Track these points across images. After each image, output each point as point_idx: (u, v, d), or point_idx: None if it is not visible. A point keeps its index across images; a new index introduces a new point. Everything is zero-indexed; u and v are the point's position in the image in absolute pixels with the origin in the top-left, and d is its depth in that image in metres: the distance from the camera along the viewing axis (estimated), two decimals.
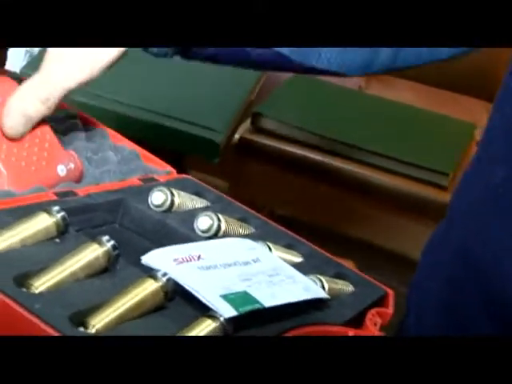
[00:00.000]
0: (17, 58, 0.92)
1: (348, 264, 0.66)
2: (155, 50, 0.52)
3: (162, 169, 0.56)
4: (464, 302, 0.55)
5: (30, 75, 0.60)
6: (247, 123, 1.03)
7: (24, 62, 0.92)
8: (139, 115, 0.79)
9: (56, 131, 0.53)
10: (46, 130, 0.49)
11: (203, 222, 0.46)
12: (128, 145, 0.58)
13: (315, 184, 1.00)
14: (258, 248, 0.45)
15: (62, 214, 0.40)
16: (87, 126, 0.59)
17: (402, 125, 1.06)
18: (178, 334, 0.36)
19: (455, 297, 0.57)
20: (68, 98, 0.54)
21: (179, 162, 0.75)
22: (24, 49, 0.94)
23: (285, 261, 0.45)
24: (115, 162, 0.55)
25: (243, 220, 0.51)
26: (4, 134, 0.46)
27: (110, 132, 0.59)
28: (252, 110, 1.02)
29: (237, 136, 0.99)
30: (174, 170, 0.57)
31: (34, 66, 0.79)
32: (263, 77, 0.93)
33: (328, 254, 0.51)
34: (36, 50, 0.93)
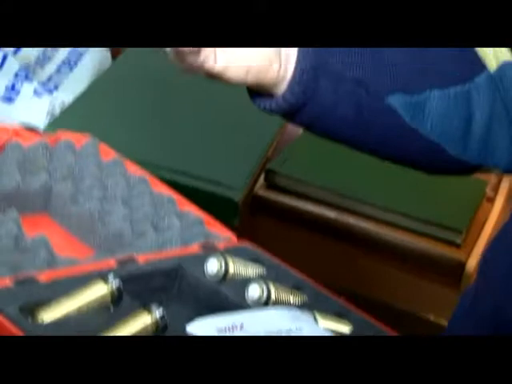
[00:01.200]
0: (39, 117, 0.93)
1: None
2: (263, 105, 0.53)
3: (223, 234, 0.60)
4: None
5: (53, 133, 0.74)
6: (261, 179, 1.05)
7: (46, 121, 0.93)
8: (158, 173, 0.84)
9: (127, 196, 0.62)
10: None
11: (254, 292, 0.48)
12: (193, 210, 0.63)
13: (328, 240, 1.01)
14: (302, 318, 0.47)
15: (118, 283, 0.43)
16: (156, 192, 0.65)
17: (413, 181, 1.04)
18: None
19: None
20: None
21: None
22: (46, 109, 0.95)
23: (332, 330, 0.47)
24: (179, 228, 0.59)
25: (296, 288, 0.53)
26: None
27: (178, 198, 0.64)
28: (266, 167, 1.04)
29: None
30: (234, 237, 0.60)
31: (56, 124, 0.87)
32: (278, 134, 0.96)
33: (381, 326, 0.53)
34: (58, 110, 0.95)
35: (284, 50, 0.50)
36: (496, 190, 1.10)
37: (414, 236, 1.02)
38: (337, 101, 0.53)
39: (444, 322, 0.93)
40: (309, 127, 0.56)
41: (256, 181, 1.01)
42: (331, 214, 1.06)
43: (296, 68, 0.50)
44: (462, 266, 0.97)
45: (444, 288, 0.99)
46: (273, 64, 0.50)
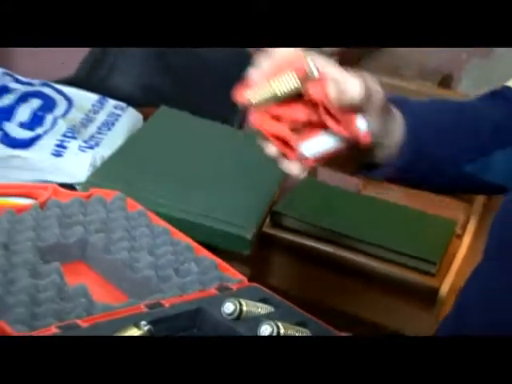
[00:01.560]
0: (83, 169, 0.99)
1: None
2: (378, 174, 0.61)
3: (234, 277, 0.65)
4: None
5: (97, 185, 0.82)
6: (267, 219, 1.18)
7: (89, 172, 1.00)
8: (180, 215, 0.87)
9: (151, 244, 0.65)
10: None
11: (265, 330, 0.53)
12: (207, 255, 0.67)
13: (326, 271, 1.16)
14: None
15: (149, 327, 0.48)
16: (176, 240, 0.69)
17: (395, 220, 1.24)
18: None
19: None
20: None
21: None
22: (89, 161, 1.00)
23: None
24: (196, 272, 0.63)
25: (301, 324, 0.57)
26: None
27: (194, 245, 0.68)
28: (272, 209, 1.17)
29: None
30: (245, 279, 0.65)
31: (97, 173, 0.97)
32: (282, 182, 1.07)
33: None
34: (98, 162, 1.02)
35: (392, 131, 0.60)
36: (464, 228, 1.26)
37: (397, 267, 1.14)
38: (424, 173, 0.64)
39: None
40: (401, 181, 0.68)
41: (264, 221, 1.12)
42: (328, 248, 1.18)
43: (402, 152, 0.60)
44: (436, 291, 1.13)
45: (421, 310, 1.15)
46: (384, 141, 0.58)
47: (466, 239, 1.24)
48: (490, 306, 0.60)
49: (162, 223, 0.71)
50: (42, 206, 0.68)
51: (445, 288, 1.14)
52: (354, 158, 0.60)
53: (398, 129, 0.59)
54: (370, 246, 1.17)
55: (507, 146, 0.66)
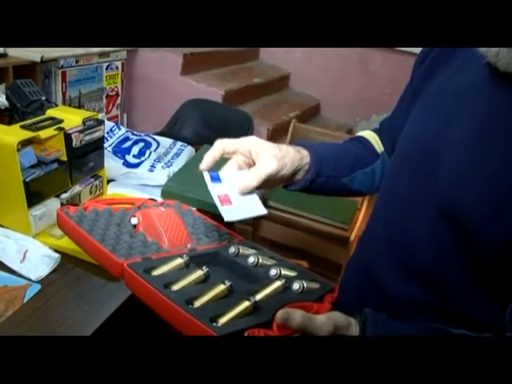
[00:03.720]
0: (163, 177, 1.30)
1: (303, 263, 1.13)
2: (293, 187, 0.77)
3: (237, 238, 0.81)
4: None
5: (172, 189, 1.13)
6: None
7: (166, 179, 1.29)
8: (210, 201, 0.83)
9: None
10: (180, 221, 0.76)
11: (251, 260, 0.70)
12: (222, 228, 0.83)
13: (291, 229, 1.57)
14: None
15: (187, 258, 0.64)
16: (206, 221, 0.84)
17: (327, 202, 1.59)
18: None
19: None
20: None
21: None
22: (166, 173, 1.30)
23: (285, 274, 0.68)
24: (216, 236, 0.79)
25: (273, 258, 0.73)
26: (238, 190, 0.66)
27: (215, 223, 0.83)
28: (264, 197, 1.56)
29: None
30: (242, 238, 0.80)
31: (173, 181, 1.26)
32: None
33: (310, 272, 0.72)
34: (171, 174, 1.35)
35: (302, 160, 0.74)
36: (361, 205, 1.69)
37: (328, 226, 1.59)
38: (322, 184, 0.78)
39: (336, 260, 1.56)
40: (307, 192, 0.80)
41: None
42: (292, 217, 1.62)
43: (309, 171, 0.75)
44: (347, 238, 1.58)
45: (340, 247, 1.59)
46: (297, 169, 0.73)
47: (362, 211, 1.68)
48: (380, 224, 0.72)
49: (198, 214, 0.88)
50: (139, 207, 0.86)
51: (352, 236, 1.58)
52: (282, 181, 0.75)
53: (305, 161, 0.75)
54: (314, 215, 1.64)
55: (365, 167, 0.83)
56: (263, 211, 0.67)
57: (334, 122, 3.69)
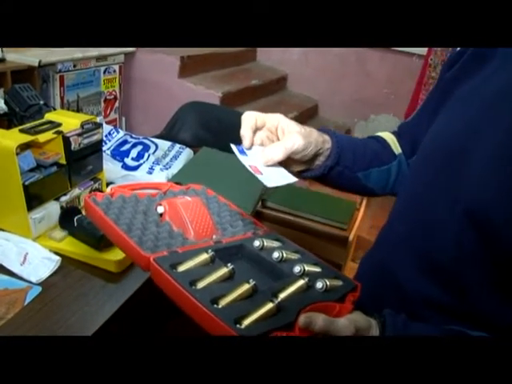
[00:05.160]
0: (162, 180, 1.32)
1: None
2: (308, 175, 0.76)
3: (262, 228, 0.78)
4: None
5: (178, 183, 0.94)
6: (259, 203, 1.62)
7: (164, 181, 1.32)
8: None
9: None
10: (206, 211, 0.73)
11: (276, 254, 0.68)
12: (247, 216, 0.81)
13: (290, 230, 1.57)
14: None
15: (212, 253, 0.63)
16: (231, 209, 0.82)
17: (326, 202, 1.68)
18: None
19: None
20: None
21: None
22: (165, 175, 1.32)
23: (309, 270, 0.66)
24: (241, 225, 0.78)
25: (297, 252, 0.72)
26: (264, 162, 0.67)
27: (240, 211, 0.82)
28: (262, 198, 1.57)
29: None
30: (268, 228, 0.78)
31: (175, 179, 1.28)
32: None
33: (334, 268, 0.69)
34: (170, 176, 1.33)
35: (324, 144, 0.74)
36: (360, 206, 1.74)
37: (327, 226, 1.58)
38: (339, 174, 0.78)
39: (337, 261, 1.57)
40: (322, 182, 0.80)
41: (257, 204, 1.50)
42: (291, 217, 1.65)
43: (329, 157, 0.75)
44: (346, 238, 1.60)
45: (339, 247, 1.61)
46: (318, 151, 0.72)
47: (361, 211, 1.70)
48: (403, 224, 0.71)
49: (224, 200, 0.85)
50: (165, 193, 0.84)
51: (350, 236, 1.57)
52: (301, 163, 0.74)
53: (327, 145, 0.75)
54: (312, 215, 1.63)
55: (381, 166, 0.82)
56: (294, 179, 0.68)
57: (332, 122, 3.71)
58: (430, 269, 0.64)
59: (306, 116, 3.45)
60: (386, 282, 0.71)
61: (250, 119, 0.69)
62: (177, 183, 0.92)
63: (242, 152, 0.69)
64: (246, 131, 0.68)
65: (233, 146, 0.69)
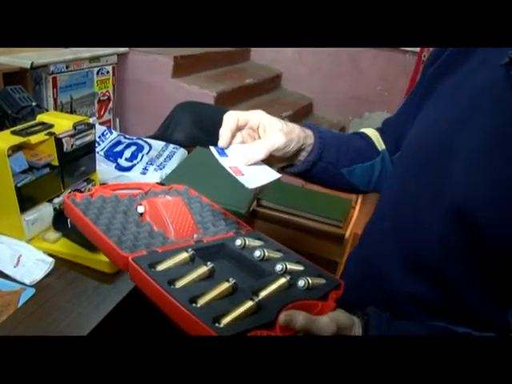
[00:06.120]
0: (156, 180, 1.34)
1: None
2: (291, 170, 0.76)
3: (244, 227, 0.79)
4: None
5: (161, 183, 1.06)
6: (254, 202, 1.61)
7: (158, 181, 1.33)
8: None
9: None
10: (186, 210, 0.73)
11: (257, 253, 0.68)
12: (230, 216, 0.81)
13: (285, 228, 1.60)
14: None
15: (192, 252, 0.62)
16: (214, 208, 0.81)
17: (322, 200, 1.67)
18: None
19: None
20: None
21: None
22: (159, 176, 1.33)
23: (291, 269, 0.66)
24: (223, 224, 0.78)
25: (280, 251, 0.72)
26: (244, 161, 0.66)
27: (223, 211, 0.81)
28: (257, 196, 1.62)
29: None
30: (250, 228, 0.78)
31: (166, 183, 1.22)
32: None
33: (317, 267, 0.69)
34: (163, 176, 1.34)
35: (306, 139, 0.74)
36: (356, 203, 1.75)
37: (323, 224, 1.58)
38: (322, 170, 0.78)
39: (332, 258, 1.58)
40: (306, 178, 0.80)
41: (252, 203, 1.50)
42: (286, 216, 1.64)
43: (311, 153, 0.75)
44: (342, 236, 1.60)
45: (335, 245, 1.62)
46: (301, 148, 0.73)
47: (357, 209, 1.71)
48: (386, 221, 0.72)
49: (207, 200, 0.86)
50: (146, 193, 0.84)
51: (347, 234, 1.58)
52: (284, 159, 0.75)
53: (309, 141, 0.75)
54: (308, 213, 1.64)
55: (364, 162, 0.83)
56: (277, 175, 0.67)
57: (326, 120, 3.71)
58: (416, 266, 0.64)
59: (300, 114, 3.45)
60: (372, 279, 0.70)
61: (231, 119, 0.69)
62: (160, 184, 0.92)
63: (222, 153, 0.68)
64: (224, 131, 0.68)
65: (212, 148, 0.68)
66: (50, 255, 0.97)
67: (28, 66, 2.30)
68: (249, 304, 0.54)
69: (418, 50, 3.08)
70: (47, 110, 1.30)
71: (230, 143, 0.68)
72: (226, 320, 0.52)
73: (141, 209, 0.75)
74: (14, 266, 0.91)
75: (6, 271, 0.91)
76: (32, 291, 0.88)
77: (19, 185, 0.96)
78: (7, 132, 1.00)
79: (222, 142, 0.67)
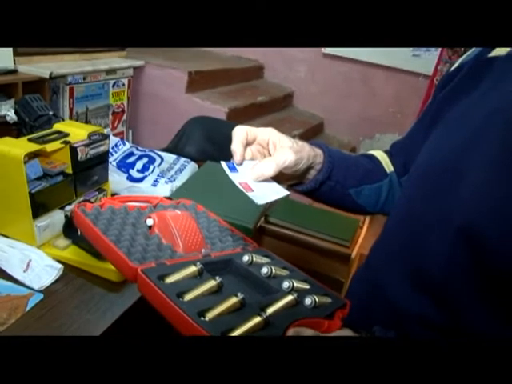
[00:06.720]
0: (167, 192, 1.34)
1: None
2: (300, 188, 0.75)
3: (251, 244, 0.80)
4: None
5: (169, 198, 0.95)
6: (262, 219, 1.60)
7: (169, 193, 1.32)
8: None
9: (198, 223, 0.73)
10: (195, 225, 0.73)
11: (264, 270, 0.68)
12: (237, 232, 0.81)
13: (292, 246, 1.58)
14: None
15: (201, 266, 0.62)
16: (221, 225, 0.81)
17: (329, 219, 1.68)
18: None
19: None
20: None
21: None
22: (169, 188, 1.33)
23: (298, 287, 0.66)
24: (230, 240, 0.78)
25: (286, 268, 0.73)
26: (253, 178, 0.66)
27: (230, 227, 0.82)
28: (265, 213, 1.58)
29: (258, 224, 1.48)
30: (257, 244, 0.79)
31: (176, 195, 1.27)
32: None
33: (323, 286, 0.69)
34: (174, 189, 1.33)
35: (316, 158, 0.74)
36: (363, 223, 1.75)
37: (330, 243, 1.58)
38: (331, 189, 0.78)
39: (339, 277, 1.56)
40: (314, 197, 0.80)
41: (260, 219, 1.55)
42: (293, 233, 1.64)
43: (320, 171, 0.75)
44: (349, 255, 1.60)
45: (342, 265, 1.61)
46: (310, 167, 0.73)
47: (364, 229, 1.70)
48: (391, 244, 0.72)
49: (213, 216, 0.87)
50: (155, 206, 0.84)
51: (353, 254, 1.57)
52: (293, 177, 0.75)
53: (318, 160, 0.75)
54: (315, 232, 1.64)
55: (372, 183, 0.83)
56: (286, 192, 0.67)
57: (337, 140, 3.73)
58: (422, 286, 0.64)
59: (311, 133, 3.47)
60: (377, 298, 0.70)
61: (240, 134, 0.69)
62: (167, 198, 0.92)
63: (233, 168, 0.68)
64: (236, 146, 0.68)
65: (223, 163, 0.68)
66: (59, 262, 0.97)
67: (47, 76, 2.34)
68: (257, 320, 0.54)
69: (430, 73, 3.10)
70: (63, 119, 1.32)
71: (244, 158, 0.68)
72: (234, 335, 0.52)
73: (150, 221, 0.75)
74: (24, 271, 0.92)
75: (16, 275, 0.92)
76: (40, 296, 0.88)
77: (33, 191, 0.97)
78: (24, 139, 1.02)
79: (236, 159, 0.68)
